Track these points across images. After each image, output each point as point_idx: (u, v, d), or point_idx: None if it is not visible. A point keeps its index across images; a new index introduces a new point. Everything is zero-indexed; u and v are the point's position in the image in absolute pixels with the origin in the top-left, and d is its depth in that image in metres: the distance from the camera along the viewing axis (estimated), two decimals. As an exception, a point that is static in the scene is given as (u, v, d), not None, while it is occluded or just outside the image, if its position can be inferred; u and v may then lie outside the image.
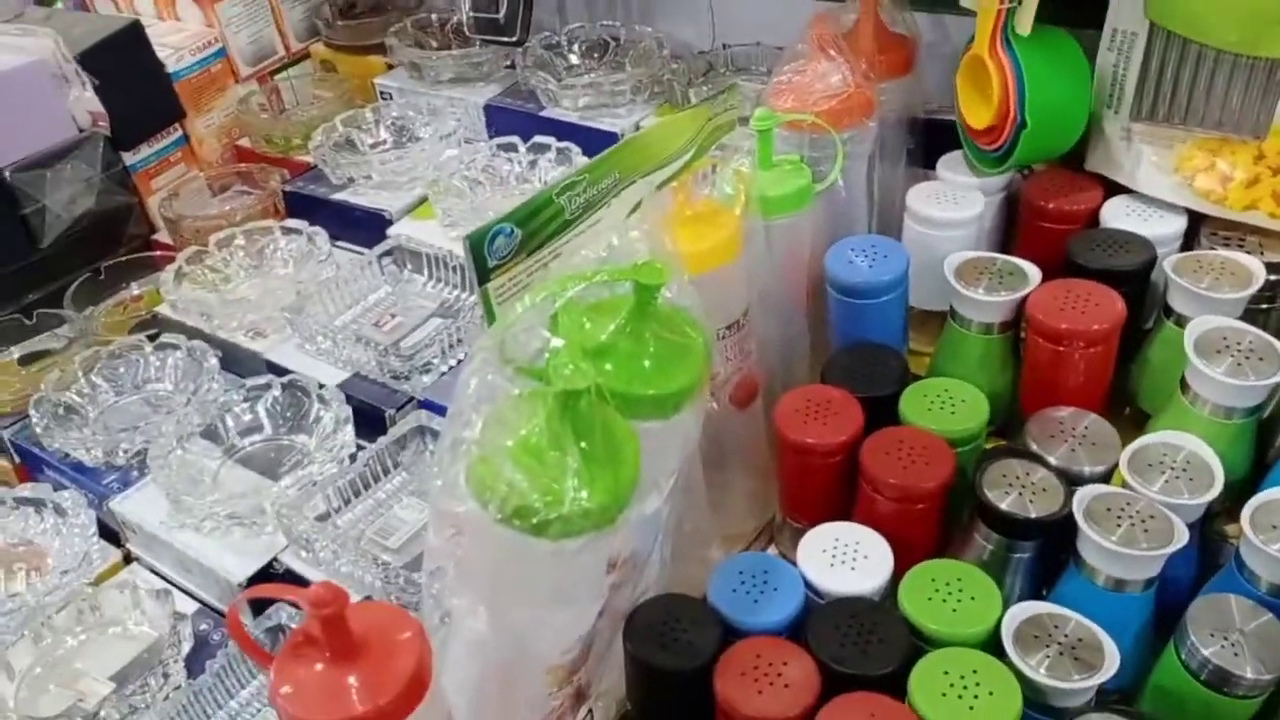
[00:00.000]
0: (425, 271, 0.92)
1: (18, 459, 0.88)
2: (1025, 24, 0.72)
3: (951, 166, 0.85)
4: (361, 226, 0.97)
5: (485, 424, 0.49)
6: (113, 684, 0.68)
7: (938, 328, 0.78)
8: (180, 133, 1.09)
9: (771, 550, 0.76)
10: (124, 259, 1.05)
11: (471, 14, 0.98)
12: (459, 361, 0.82)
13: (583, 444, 0.46)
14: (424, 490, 0.75)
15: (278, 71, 1.19)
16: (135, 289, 1.05)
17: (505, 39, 0.98)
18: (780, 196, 0.73)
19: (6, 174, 0.93)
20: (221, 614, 0.73)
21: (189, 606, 0.74)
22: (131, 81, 1.00)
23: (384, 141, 1.07)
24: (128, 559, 0.80)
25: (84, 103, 0.97)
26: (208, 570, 0.72)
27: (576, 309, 0.53)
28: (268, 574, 0.72)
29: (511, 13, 0.95)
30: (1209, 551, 0.64)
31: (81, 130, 0.99)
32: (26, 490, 0.81)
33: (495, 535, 0.46)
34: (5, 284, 0.98)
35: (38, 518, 0.81)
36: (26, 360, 0.94)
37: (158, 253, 1.06)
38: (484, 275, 0.57)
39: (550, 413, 0.47)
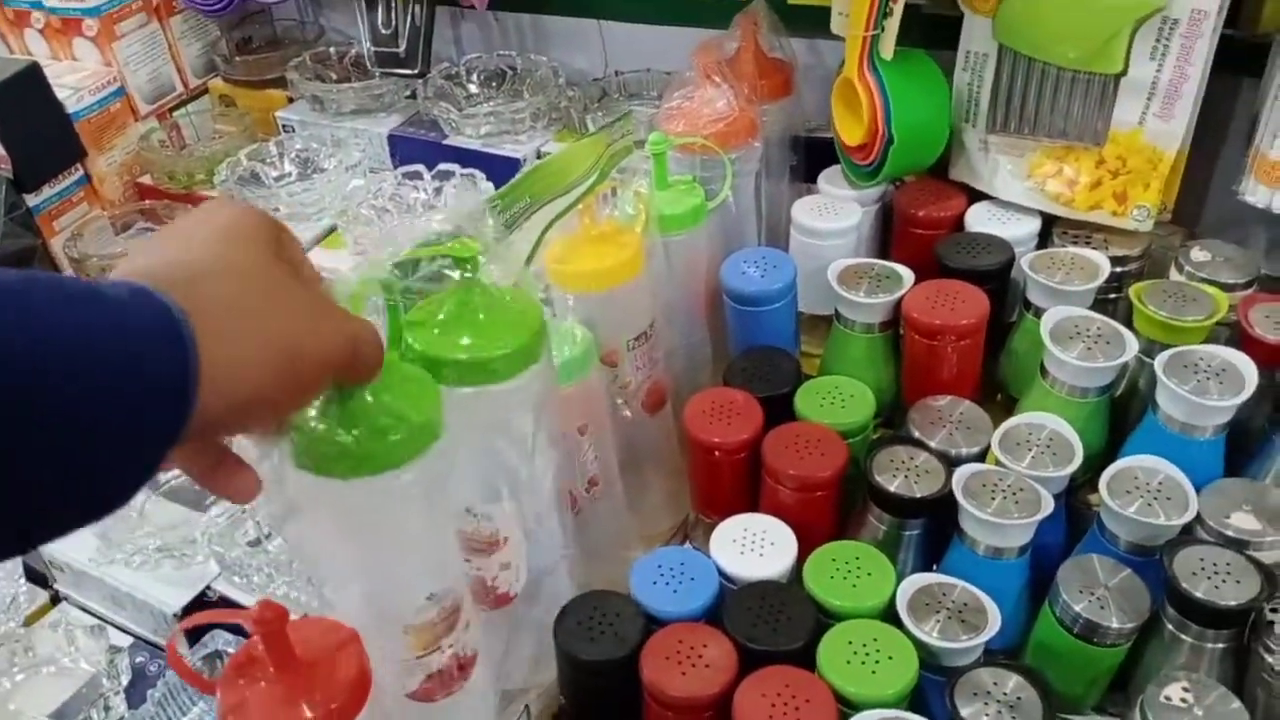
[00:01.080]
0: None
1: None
2: (888, 49, 0.79)
3: (831, 180, 0.91)
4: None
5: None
6: (54, 720, 0.70)
7: (826, 330, 0.85)
8: (81, 172, 1.09)
9: (687, 546, 0.81)
10: (28, 301, 1.04)
11: (372, 48, 1.01)
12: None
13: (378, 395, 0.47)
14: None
15: (177, 108, 1.20)
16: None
17: (406, 71, 1.01)
18: (676, 215, 0.78)
19: (-95, 222, 0.93)
20: (157, 646, 0.75)
21: (123, 640, 0.75)
22: (32, 123, 1.00)
23: (289, 174, 1.09)
24: (55, 599, 0.81)
25: (-18, 147, 0.97)
26: (141, 603, 0.74)
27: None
28: (202, 603, 0.73)
29: (411, 46, 0.98)
30: (1076, 519, 0.71)
31: (-19, 174, 0.99)
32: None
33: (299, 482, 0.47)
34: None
35: (-42, 565, 0.81)
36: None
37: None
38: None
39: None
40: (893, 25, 0.78)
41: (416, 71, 1.01)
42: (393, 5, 0.98)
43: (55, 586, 0.81)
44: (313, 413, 0.46)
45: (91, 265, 1.01)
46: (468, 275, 0.54)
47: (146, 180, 1.15)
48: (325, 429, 0.46)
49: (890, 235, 0.90)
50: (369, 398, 0.46)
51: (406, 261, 0.53)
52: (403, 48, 0.99)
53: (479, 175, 0.99)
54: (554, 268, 0.71)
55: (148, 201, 1.10)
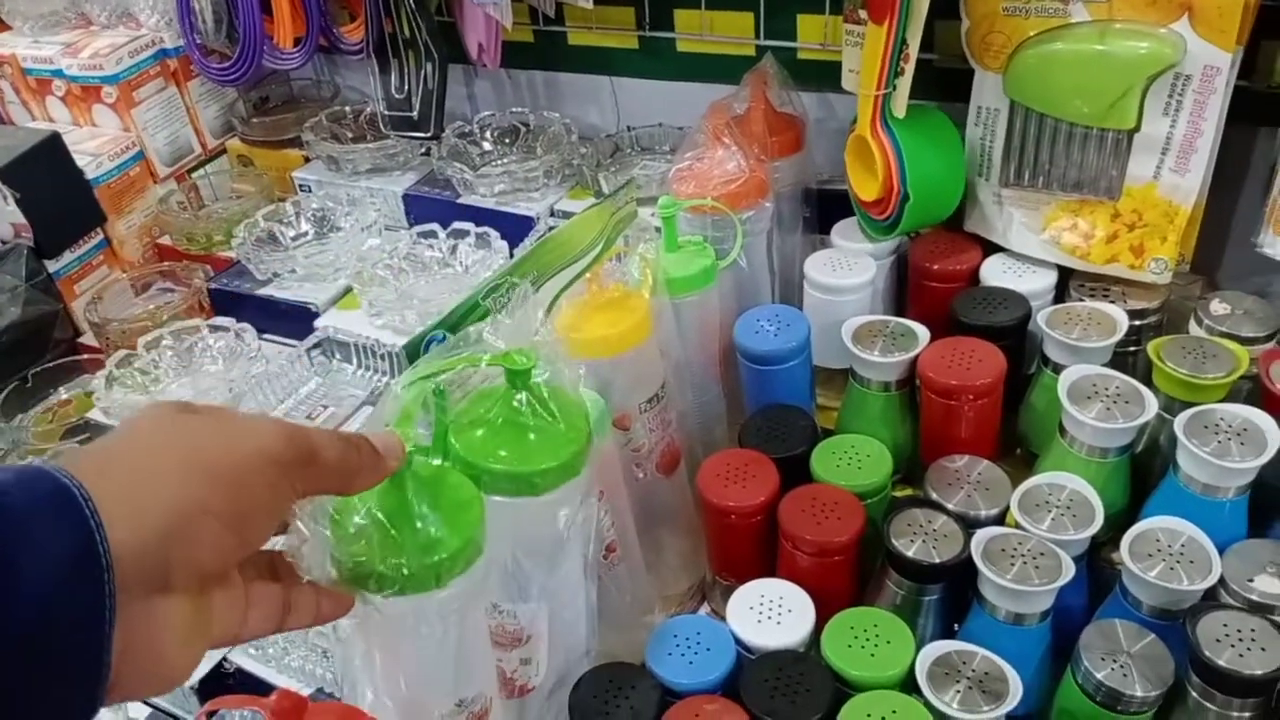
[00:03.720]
0: (354, 360, 0.95)
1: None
2: (900, 107, 0.79)
3: (845, 233, 0.91)
4: (288, 319, 1.00)
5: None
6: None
7: (841, 383, 0.84)
8: (101, 236, 1.11)
9: (705, 609, 0.80)
10: (51, 365, 1.06)
11: (386, 111, 1.03)
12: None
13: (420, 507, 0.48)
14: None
15: (195, 169, 1.21)
16: (64, 393, 1.05)
17: (421, 134, 1.02)
18: (686, 277, 0.78)
19: (-70, 291, 0.94)
20: (174, 716, 0.75)
21: (141, 711, 0.75)
22: (53, 191, 1.02)
23: (305, 233, 1.10)
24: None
25: (6, 215, 0.99)
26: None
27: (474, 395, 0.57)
28: (219, 674, 0.73)
29: (425, 109, 1.00)
30: (1098, 576, 0.70)
31: (4, 242, 1.00)
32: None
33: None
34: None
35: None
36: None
37: (84, 356, 1.07)
38: (420, 379, 0.61)
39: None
40: (904, 84, 0.78)
41: (430, 134, 1.02)
42: (405, 69, 0.99)
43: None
44: (354, 525, 0.45)
45: (113, 329, 1.02)
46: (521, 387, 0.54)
47: (166, 241, 1.16)
48: (365, 545, 0.45)
49: (905, 287, 0.90)
50: (413, 509, 0.46)
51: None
52: (416, 110, 1.00)
53: (493, 234, 0.99)
54: (564, 335, 0.71)
55: (167, 263, 1.12)
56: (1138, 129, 0.75)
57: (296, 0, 1.02)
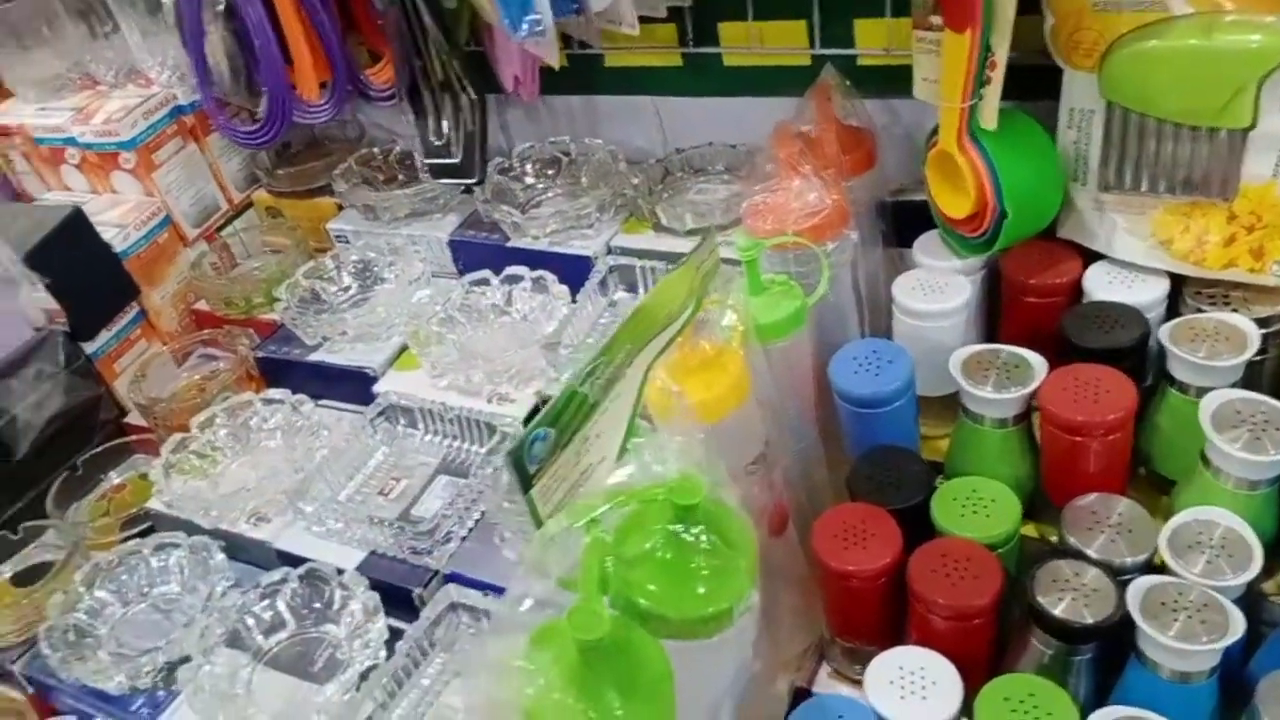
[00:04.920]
0: (421, 426, 0.91)
1: (30, 689, 0.84)
2: (990, 119, 0.74)
3: (928, 249, 0.86)
4: (343, 384, 0.95)
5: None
6: None
7: (941, 409, 0.80)
8: (137, 309, 1.06)
9: (825, 669, 0.76)
10: (100, 450, 1.01)
11: (427, 160, 0.97)
12: (476, 523, 0.81)
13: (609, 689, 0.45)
14: (466, 671, 0.74)
15: (223, 226, 1.16)
16: (115, 478, 1.01)
17: (465, 180, 0.97)
18: (777, 321, 0.73)
19: (-28, 393, 0.90)
20: (284, 834, 0.71)
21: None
22: (82, 271, 0.97)
23: (348, 288, 1.05)
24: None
25: (36, 301, 0.94)
26: (264, 793, 0.70)
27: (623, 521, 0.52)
28: (325, 788, 0.70)
29: (468, 155, 0.94)
30: (1253, 611, 0.65)
31: (37, 330, 0.95)
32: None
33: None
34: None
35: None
36: (22, 579, 0.91)
37: (133, 438, 1.03)
38: (526, 484, 0.56)
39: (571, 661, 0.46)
40: (993, 94, 0.73)
41: (475, 179, 0.97)
42: (443, 114, 0.94)
43: (163, 773, 0.77)
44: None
45: (161, 409, 0.98)
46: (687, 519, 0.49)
47: (203, 306, 1.11)
48: None
49: (997, 302, 0.85)
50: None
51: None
52: (459, 156, 0.95)
53: (550, 277, 0.94)
54: (660, 408, 0.66)
55: (207, 330, 1.07)
56: (1253, 127, 0.69)
57: (317, 45, 0.96)
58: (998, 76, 0.72)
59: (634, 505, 0.52)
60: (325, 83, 1.00)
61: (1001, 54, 0.72)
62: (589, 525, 0.51)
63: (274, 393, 0.95)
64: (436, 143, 0.96)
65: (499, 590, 0.76)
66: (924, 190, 0.84)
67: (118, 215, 1.05)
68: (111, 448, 1.02)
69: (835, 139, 0.83)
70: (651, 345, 0.65)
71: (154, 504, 0.91)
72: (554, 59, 0.85)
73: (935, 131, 0.79)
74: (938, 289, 0.82)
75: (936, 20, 0.75)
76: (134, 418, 1.06)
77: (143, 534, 0.94)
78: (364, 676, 0.73)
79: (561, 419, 0.60)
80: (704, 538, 0.50)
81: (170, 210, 1.09)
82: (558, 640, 0.47)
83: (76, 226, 0.97)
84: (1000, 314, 0.85)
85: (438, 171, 0.98)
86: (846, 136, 0.84)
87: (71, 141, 1.08)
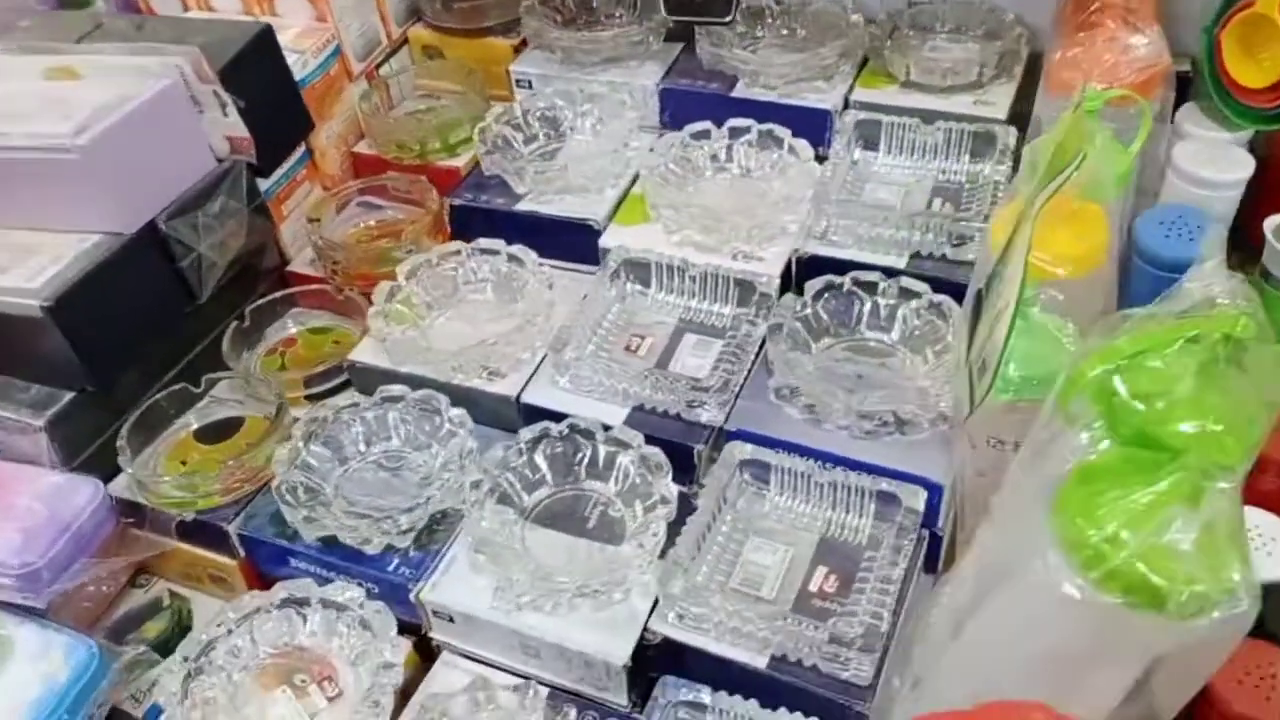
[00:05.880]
0: (654, 283, 0.84)
1: (243, 553, 0.78)
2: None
3: (1192, 119, 0.83)
4: (556, 237, 0.88)
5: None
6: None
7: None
8: (304, 148, 0.97)
9: None
10: (264, 301, 0.93)
11: (666, -6, 0.88)
12: (744, 382, 0.76)
13: None
14: (761, 528, 0.70)
15: (381, 64, 1.06)
16: (291, 327, 0.93)
17: (713, 19, 0.89)
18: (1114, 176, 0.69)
19: (160, 223, 0.80)
20: (586, 699, 0.67)
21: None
22: (267, 97, 0.87)
23: (536, 135, 0.97)
24: (425, 650, 0.73)
25: (221, 127, 0.85)
26: (572, 654, 0.66)
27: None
28: (643, 646, 0.66)
29: (719, -14, 0.86)
30: None
31: (220, 160, 0.86)
32: (288, 590, 0.72)
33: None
34: (169, 350, 0.85)
35: (299, 619, 0.72)
36: (206, 435, 0.83)
37: (298, 288, 0.94)
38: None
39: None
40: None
41: (726, 18, 0.89)
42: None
43: (433, 635, 0.72)
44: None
45: (343, 256, 0.90)
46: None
47: (362, 149, 1.02)
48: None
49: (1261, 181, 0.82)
50: None
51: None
52: (704, -7, 0.87)
53: (784, 131, 0.88)
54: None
55: (391, 174, 0.98)
56: None
57: None
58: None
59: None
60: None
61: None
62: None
63: (485, 242, 0.87)
64: (679, -23, 0.87)
65: (786, 446, 0.72)
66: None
67: (290, 39, 0.94)
68: (276, 299, 0.94)
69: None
70: (1047, 189, 0.60)
71: (362, 356, 0.84)
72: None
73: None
74: (1218, 160, 0.79)
75: None
76: (297, 266, 0.97)
77: (332, 391, 0.87)
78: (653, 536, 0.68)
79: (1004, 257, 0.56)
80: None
81: (340, 39, 0.98)
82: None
83: (265, 46, 0.86)
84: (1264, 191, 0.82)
85: (677, 7, 0.89)
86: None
87: (224, -47, 0.97)
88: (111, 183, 0.77)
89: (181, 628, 0.81)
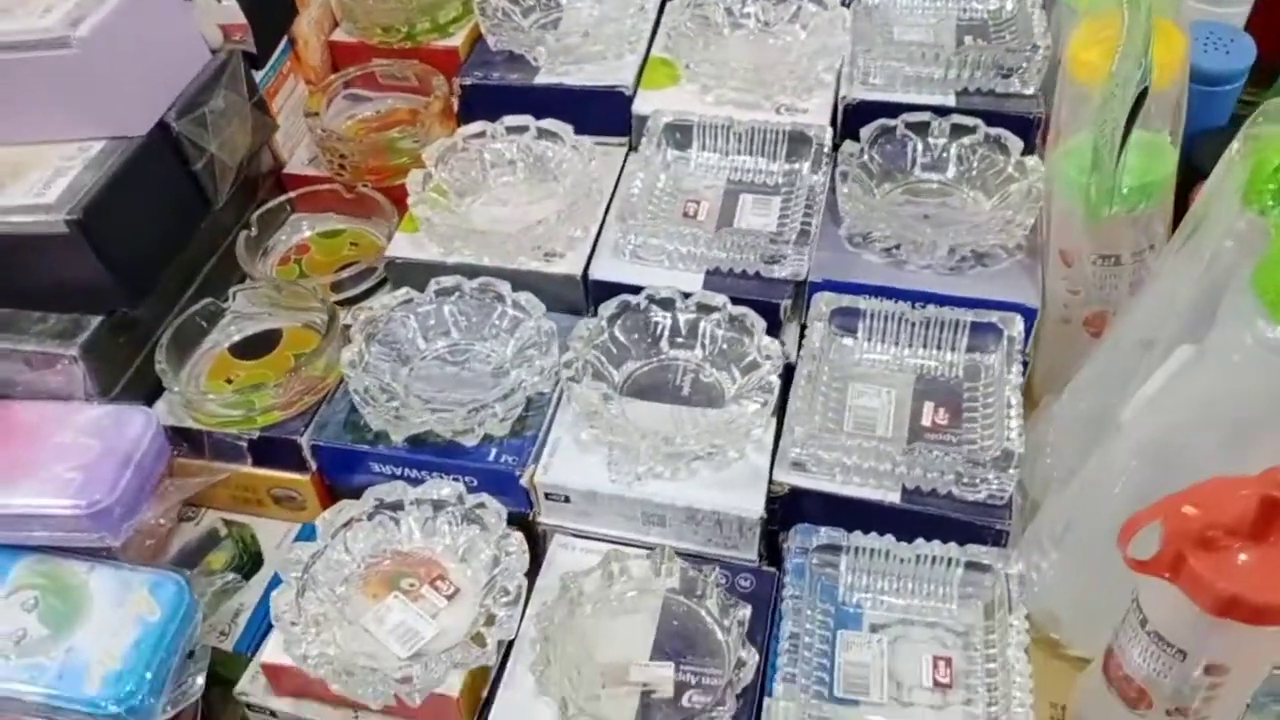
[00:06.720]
0: (695, 146, 0.82)
1: (314, 466, 0.74)
2: None
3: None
4: (581, 109, 0.84)
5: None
6: (669, 662, 0.62)
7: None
8: (287, 39, 0.89)
9: None
10: (268, 206, 0.87)
11: None
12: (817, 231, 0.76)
13: None
14: (856, 374, 0.71)
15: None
16: (305, 231, 0.88)
17: None
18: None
19: (172, 123, 0.73)
20: (713, 560, 0.67)
21: (664, 560, 0.67)
22: (255, -21, 0.80)
23: (534, 8, 0.92)
24: (532, 535, 0.71)
25: (214, 14, 0.77)
26: (704, 514, 0.65)
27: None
28: (770, 499, 0.66)
29: None
30: None
31: (214, 51, 0.78)
32: (378, 495, 0.69)
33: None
34: (187, 264, 0.79)
35: (393, 524, 0.69)
36: (249, 349, 0.78)
37: (299, 190, 0.88)
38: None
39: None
40: None
41: None
42: None
43: (540, 521, 0.70)
44: None
45: (351, 149, 0.84)
46: None
47: (340, 37, 0.95)
48: None
49: None
50: None
51: None
52: None
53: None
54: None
55: (380, 60, 0.91)
56: None
57: None
58: None
59: None
60: None
61: None
62: None
63: (512, 120, 0.83)
64: None
65: (872, 290, 0.72)
66: None
67: (258, -84, 0.86)
68: (277, 205, 0.88)
69: None
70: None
71: (402, 251, 0.79)
72: None
73: None
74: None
75: None
76: (293, 168, 0.90)
77: (363, 295, 0.83)
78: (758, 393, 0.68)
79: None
80: None
81: (307, -89, 0.90)
82: None
83: (247, -80, 0.78)
84: None
85: None
86: None
87: None
88: (116, 79, 0.70)
89: (251, 554, 0.77)
